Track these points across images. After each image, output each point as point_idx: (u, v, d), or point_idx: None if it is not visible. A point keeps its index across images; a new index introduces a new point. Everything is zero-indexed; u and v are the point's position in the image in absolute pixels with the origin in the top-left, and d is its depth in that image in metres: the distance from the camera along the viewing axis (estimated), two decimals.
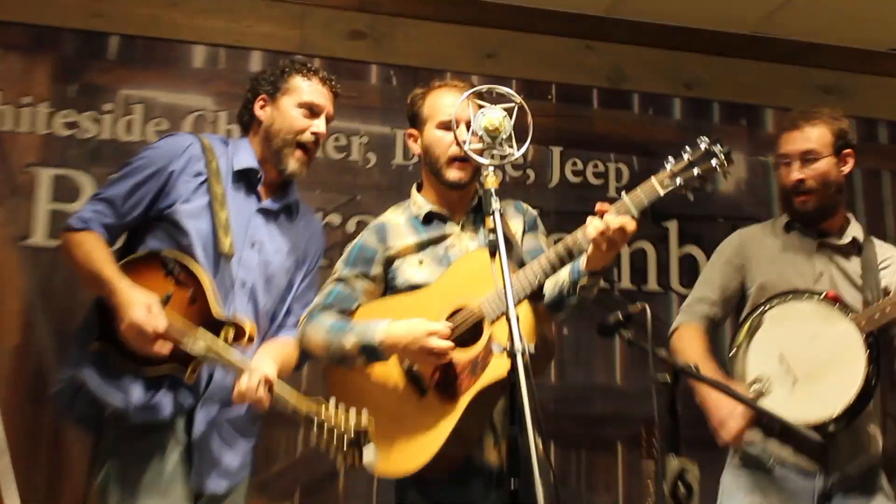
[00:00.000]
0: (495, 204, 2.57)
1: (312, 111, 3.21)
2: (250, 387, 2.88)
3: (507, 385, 2.37)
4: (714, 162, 2.77)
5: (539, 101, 5.08)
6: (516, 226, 3.26)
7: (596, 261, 2.85)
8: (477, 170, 3.20)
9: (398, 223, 3.29)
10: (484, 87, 2.93)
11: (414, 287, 3.16)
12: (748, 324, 3.32)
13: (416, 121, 3.32)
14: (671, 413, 2.62)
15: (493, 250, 2.54)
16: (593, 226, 2.75)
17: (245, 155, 3.19)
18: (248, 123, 3.27)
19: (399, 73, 4.95)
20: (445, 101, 3.22)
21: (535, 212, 3.36)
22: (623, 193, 2.82)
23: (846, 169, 3.49)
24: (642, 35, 5.30)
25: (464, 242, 3.21)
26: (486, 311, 2.98)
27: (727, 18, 5.28)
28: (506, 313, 2.41)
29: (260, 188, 3.19)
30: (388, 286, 3.26)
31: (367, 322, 3.08)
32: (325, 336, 3.10)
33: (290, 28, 4.83)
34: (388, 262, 3.23)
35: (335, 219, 4.75)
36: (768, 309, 3.32)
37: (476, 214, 3.26)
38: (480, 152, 2.73)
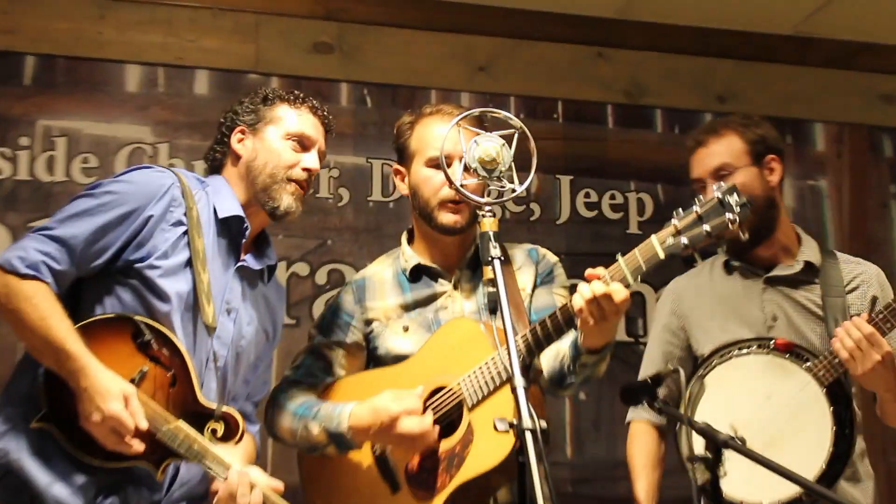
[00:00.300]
0: (494, 250, 2.55)
1: (302, 144, 3.20)
2: (242, 493, 2.85)
3: (510, 469, 2.36)
4: (728, 217, 2.68)
5: (543, 122, 5.10)
6: (525, 278, 3.25)
7: (592, 337, 2.85)
8: (475, 212, 3.16)
9: (382, 279, 3.30)
10: (476, 111, 2.94)
11: (399, 358, 3.16)
12: (687, 394, 3.32)
13: (403, 155, 3.33)
14: (713, 496, 2.64)
15: (492, 307, 2.52)
16: (578, 294, 2.76)
17: (228, 200, 3.14)
18: (220, 161, 3.24)
19: (374, 92, 4.97)
20: (435, 133, 3.22)
21: (554, 259, 3.36)
22: (619, 256, 2.82)
23: (774, 178, 3.51)
24: (664, 39, 5.34)
25: (458, 304, 3.22)
26: (466, 392, 2.98)
27: (765, 18, 5.32)
28: (511, 381, 2.38)
29: (242, 242, 3.15)
30: (370, 355, 3.27)
31: (332, 405, 3.08)
32: (290, 423, 3.12)
33: (241, 41, 4.85)
34: (369, 327, 3.25)
35: (302, 268, 4.75)
36: (708, 372, 3.34)
37: (475, 268, 3.26)
38: (476, 190, 2.73)
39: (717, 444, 2.58)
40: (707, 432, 2.60)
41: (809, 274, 3.46)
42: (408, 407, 2.92)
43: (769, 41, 5.46)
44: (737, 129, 3.51)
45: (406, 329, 3.20)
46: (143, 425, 2.74)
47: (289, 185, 3.15)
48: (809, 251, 3.50)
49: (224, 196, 3.14)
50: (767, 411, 3.21)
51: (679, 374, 2.90)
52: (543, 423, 2.32)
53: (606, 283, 2.75)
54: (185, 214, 2.98)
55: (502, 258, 2.56)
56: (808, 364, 3.24)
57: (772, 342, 3.30)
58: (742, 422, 3.16)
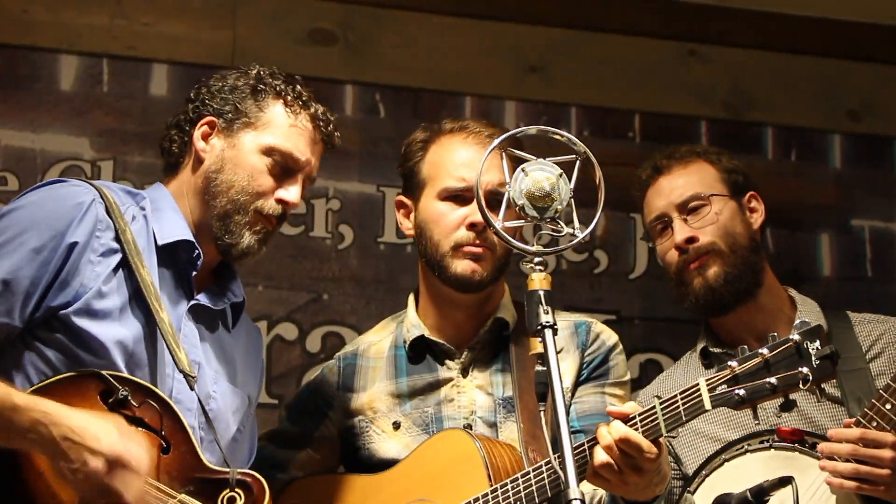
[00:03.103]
0: (545, 316, 2.55)
1: (285, 166, 3.19)
2: None
3: None
4: (802, 371, 2.75)
5: (615, 143, 5.10)
6: (567, 365, 3.27)
7: (627, 489, 2.91)
8: (500, 265, 3.29)
9: (379, 352, 3.35)
10: (526, 131, 2.87)
11: (383, 463, 3.21)
12: None
13: (410, 183, 3.37)
14: None
15: (540, 394, 2.51)
16: (598, 454, 2.82)
17: (171, 219, 3.16)
18: (175, 158, 3.26)
19: (389, 98, 4.99)
20: (455, 158, 3.27)
21: (611, 341, 3.38)
22: (655, 398, 2.86)
23: (757, 220, 3.63)
24: (778, 33, 5.33)
25: (467, 397, 3.27)
26: None
27: None
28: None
29: (193, 274, 3.17)
30: (347, 454, 3.32)
31: None
32: None
33: (214, 27, 4.86)
34: (349, 422, 3.30)
35: (289, 331, 4.76)
36: (697, 487, 3.41)
37: (494, 347, 3.31)
38: (517, 233, 2.74)
39: None
40: None
41: None
42: None
43: None
44: (706, 157, 3.69)
45: (396, 427, 3.26)
46: (146, 466, 2.75)
47: (255, 219, 3.14)
48: (809, 316, 3.52)
49: (166, 214, 3.14)
50: None
51: (793, 484, 2.87)
52: None
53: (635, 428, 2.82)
54: (115, 239, 2.98)
55: (556, 327, 2.56)
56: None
57: (773, 433, 3.35)
58: None
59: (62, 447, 2.69)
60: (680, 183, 3.62)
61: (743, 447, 3.38)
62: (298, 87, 3.26)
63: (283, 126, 3.20)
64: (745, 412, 3.23)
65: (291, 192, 3.17)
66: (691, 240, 3.55)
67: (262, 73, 3.26)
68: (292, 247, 4.78)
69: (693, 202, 3.58)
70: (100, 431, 2.70)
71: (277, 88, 3.22)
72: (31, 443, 2.72)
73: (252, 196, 3.14)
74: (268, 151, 3.16)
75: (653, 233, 3.67)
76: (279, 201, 3.16)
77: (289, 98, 3.22)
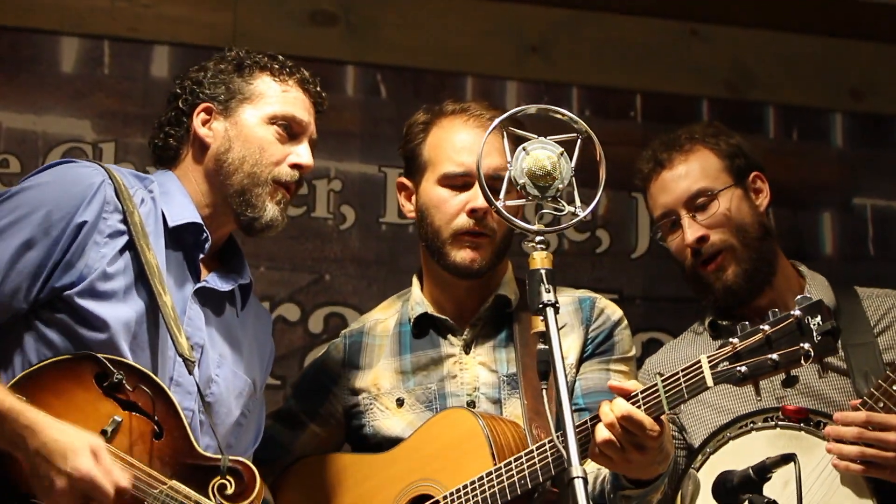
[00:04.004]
0: (547, 295, 2.55)
1: (290, 131, 3.23)
2: None
3: None
4: (804, 347, 2.74)
5: (616, 122, 5.11)
6: (569, 344, 3.27)
7: (630, 468, 2.90)
8: (499, 251, 3.29)
9: (385, 329, 3.37)
10: (527, 110, 2.88)
11: (387, 441, 3.23)
12: (678, 499, 3.40)
13: (412, 165, 3.38)
14: None
15: (542, 373, 2.52)
16: (600, 431, 2.82)
17: (180, 203, 3.17)
18: (174, 151, 3.27)
19: (390, 79, 4.99)
20: (456, 141, 3.27)
21: (616, 316, 3.39)
22: (657, 375, 2.86)
23: (762, 201, 3.64)
24: (780, 12, 5.32)
25: (470, 373, 3.28)
26: None
27: None
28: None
29: (200, 257, 3.19)
30: (352, 432, 3.34)
31: None
32: None
33: (214, 8, 4.86)
34: (353, 398, 3.32)
35: (291, 312, 4.77)
36: (701, 464, 3.40)
37: (497, 323, 3.32)
38: (519, 212, 2.74)
39: None
40: None
41: None
42: None
43: None
44: (705, 142, 3.67)
45: (400, 403, 3.28)
46: (124, 482, 2.73)
47: (274, 188, 3.17)
48: (817, 291, 3.59)
49: (175, 198, 3.16)
50: (790, 497, 3.12)
51: (795, 461, 2.86)
52: None
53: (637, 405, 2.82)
54: (123, 221, 3.00)
55: (557, 305, 2.57)
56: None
57: (779, 411, 3.33)
58: None
59: (36, 462, 2.71)
60: (683, 177, 3.61)
61: (748, 425, 3.38)
62: (280, 57, 3.30)
63: (277, 94, 3.24)
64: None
65: (303, 155, 3.21)
66: (703, 239, 3.56)
67: (239, 52, 3.29)
68: (294, 228, 4.76)
69: (700, 198, 3.58)
70: (69, 449, 2.69)
71: (261, 62, 3.27)
72: (14, 449, 2.74)
73: (267, 166, 3.17)
74: (271, 120, 3.20)
75: (663, 230, 3.67)
76: (293, 166, 3.19)
77: (275, 68, 3.26)
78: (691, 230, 3.56)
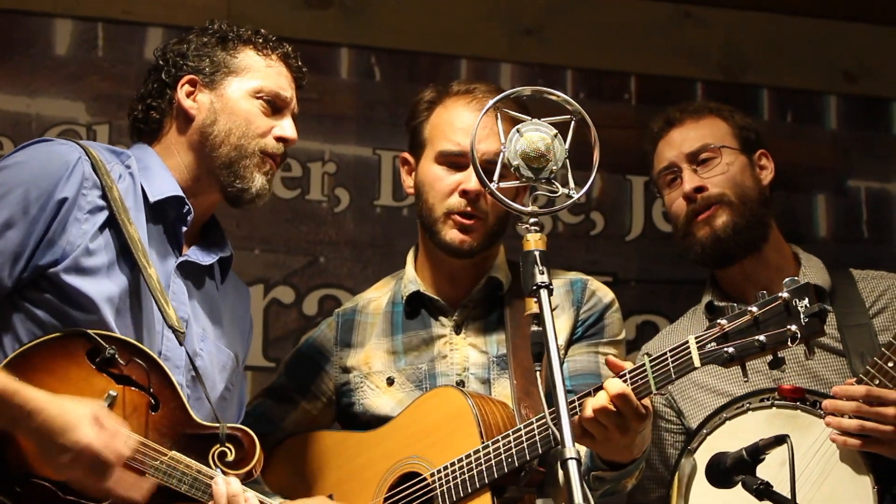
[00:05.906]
0: (541, 276, 2.55)
1: (274, 106, 3.24)
2: None
3: None
4: (790, 329, 2.77)
5: (610, 105, 5.11)
6: (561, 322, 3.28)
7: (612, 451, 2.94)
8: (492, 233, 3.31)
9: (378, 308, 3.39)
10: (522, 91, 2.87)
11: (377, 419, 3.25)
12: (675, 482, 3.41)
13: (414, 142, 3.39)
14: None
15: (536, 354, 2.53)
16: (586, 409, 2.85)
17: (161, 177, 3.17)
18: (156, 124, 3.26)
19: (385, 61, 4.98)
20: (457, 121, 3.27)
21: (607, 299, 3.40)
22: (645, 356, 2.88)
23: (766, 177, 3.67)
24: None
25: (460, 354, 3.30)
26: (440, 489, 3.07)
27: None
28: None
29: (183, 230, 3.20)
30: (342, 409, 3.37)
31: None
32: None
33: None
34: (344, 377, 3.34)
35: (285, 294, 4.77)
36: (697, 446, 3.41)
37: (488, 305, 3.33)
38: (516, 194, 2.73)
39: None
40: None
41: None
42: None
43: None
44: (719, 113, 3.73)
45: (390, 382, 3.29)
46: (125, 450, 2.76)
47: (262, 160, 3.19)
48: (813, 273, 3.62)
49: (155, 172, 3.17)
50: (785, 478, 3.14)
51: (788, 442, 2.89)
52: None
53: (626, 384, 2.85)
54: (102, 197, 3.00)
55: (551, 287, 2.55)
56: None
57: (775, 391, 3.35)
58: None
59: (40, 442, 2.74)
60: (691, 135, 3.66)
61: (744, 405, 3.39)
62: (261, 31, 3.30)
63: (261, 68, 3.25)
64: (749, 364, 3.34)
65: (287, 129, 3.23)
66: (700, 189, 3.59)
67: (222, 26, 3.30)
68: (288, 210, 4.79)
69: (704, 153, 3.61)
70: (68, 425, 2.72)
71: (244, 36, 3.27)
72: (14, 428, 2.76)
73: (253, 138, 3.18)
74: (256, 94, 3.22)
75: (661, 182, 3.70)
76: (279, 139, 3.21)
77: (258, 42, 3.27)
78: (690, 180, 3.60)
